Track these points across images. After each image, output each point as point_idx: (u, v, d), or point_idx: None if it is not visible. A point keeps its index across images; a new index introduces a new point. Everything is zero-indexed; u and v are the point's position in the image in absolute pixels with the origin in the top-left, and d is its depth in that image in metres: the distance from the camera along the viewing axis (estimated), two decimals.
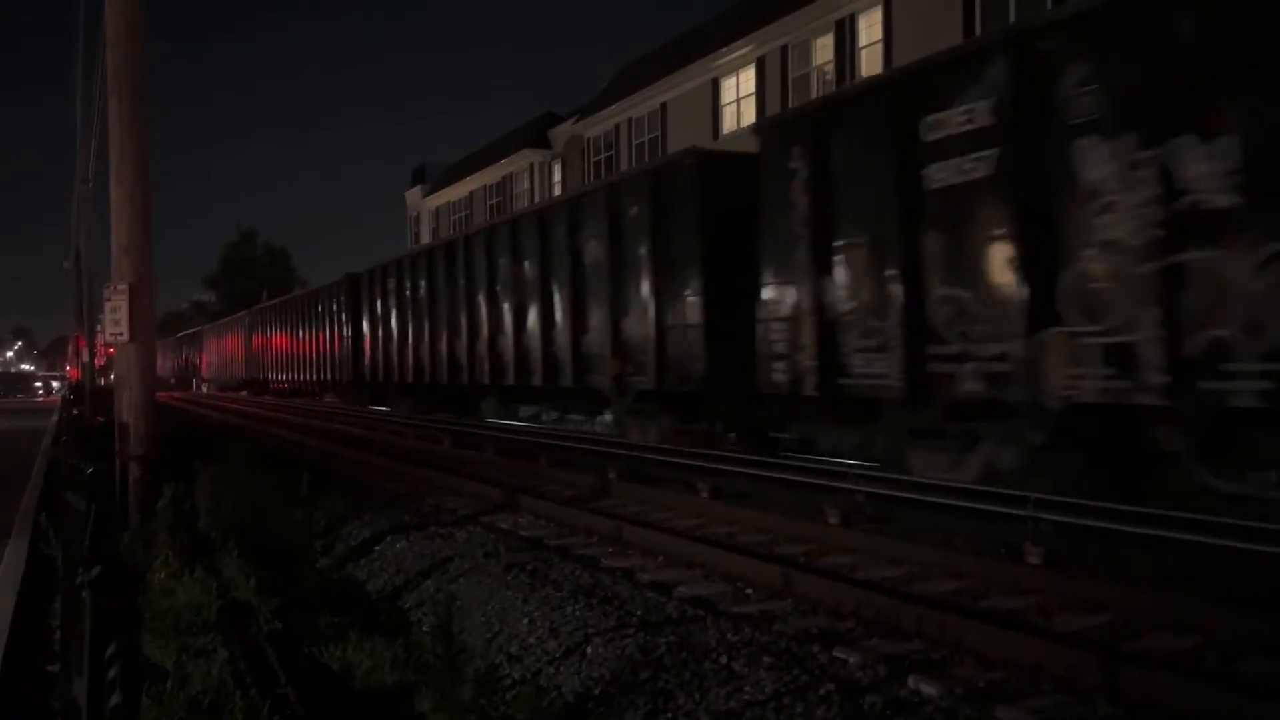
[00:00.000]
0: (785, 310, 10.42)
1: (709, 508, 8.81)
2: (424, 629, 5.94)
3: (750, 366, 10.89)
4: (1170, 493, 7.05)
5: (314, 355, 30.50)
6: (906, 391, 8.93)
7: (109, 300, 9.50)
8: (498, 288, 17.50)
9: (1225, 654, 4.66)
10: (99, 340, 27.38)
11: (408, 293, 22.11)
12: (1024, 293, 7.82)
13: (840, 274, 9.74)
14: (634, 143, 29.97)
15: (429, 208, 45.70)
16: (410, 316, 21.94)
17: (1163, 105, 6.85)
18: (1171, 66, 6.81)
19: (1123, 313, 7.11)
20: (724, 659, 4.82)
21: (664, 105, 28.62)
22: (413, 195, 47.94)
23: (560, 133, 35.67)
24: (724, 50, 25.77)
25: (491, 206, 38.83)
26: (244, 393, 42.50)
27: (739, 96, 25.81)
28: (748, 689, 4.45)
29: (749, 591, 6.16)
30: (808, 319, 10.05)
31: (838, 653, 4.84)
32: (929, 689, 4.32)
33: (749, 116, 24.38)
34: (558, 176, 35.71)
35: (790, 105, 21.69)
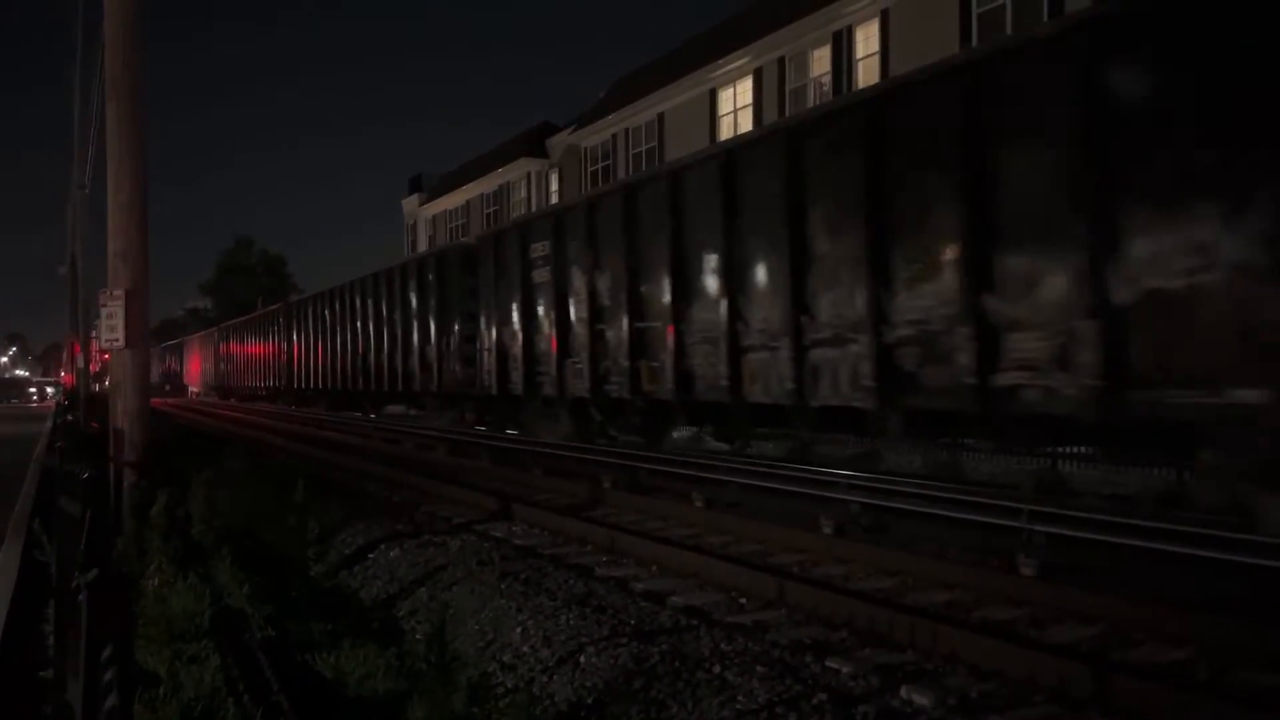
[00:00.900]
0: None
1: (703, 517, 8.82)
2: (417, 637, 5.94)
3: None
4: None
5: (262, 366, 38.03)
6: None
7: (105, 306, 9.51)
8: (370, 322, 24.73)
9: (1217, 665, 4.68)
10: (94, 346, 27.33)
11: (325, 319, 28.95)
12: None
13: None
14: (631, 152, 30.02)
15: (426, 216, 45.71)
16: (324, 337, 29.05)
17: None
18: None
19: None
20: (717, 668, 4.83)
21: (661, 115, 28.69)
22: (410, 203, 47.94)
23: (558, 142, 35.72)
24: (721, 61, 25.85)
25: (488, 215, 38.85)
26: (213, 396, 48.76)
27: (736, 107, 25.88)
28: (741, 698, 4.46)
29: (743, 601, 6.17)
30: None
31: (831, 663, 4.85)
32: (921, 699, 4.33)
33: (746, 127, 24.45)
34: (555, 186, 35.75)
35: (787, 115, 21.76)
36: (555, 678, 5.08)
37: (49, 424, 25.66)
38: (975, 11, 18.97)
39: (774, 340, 10.33)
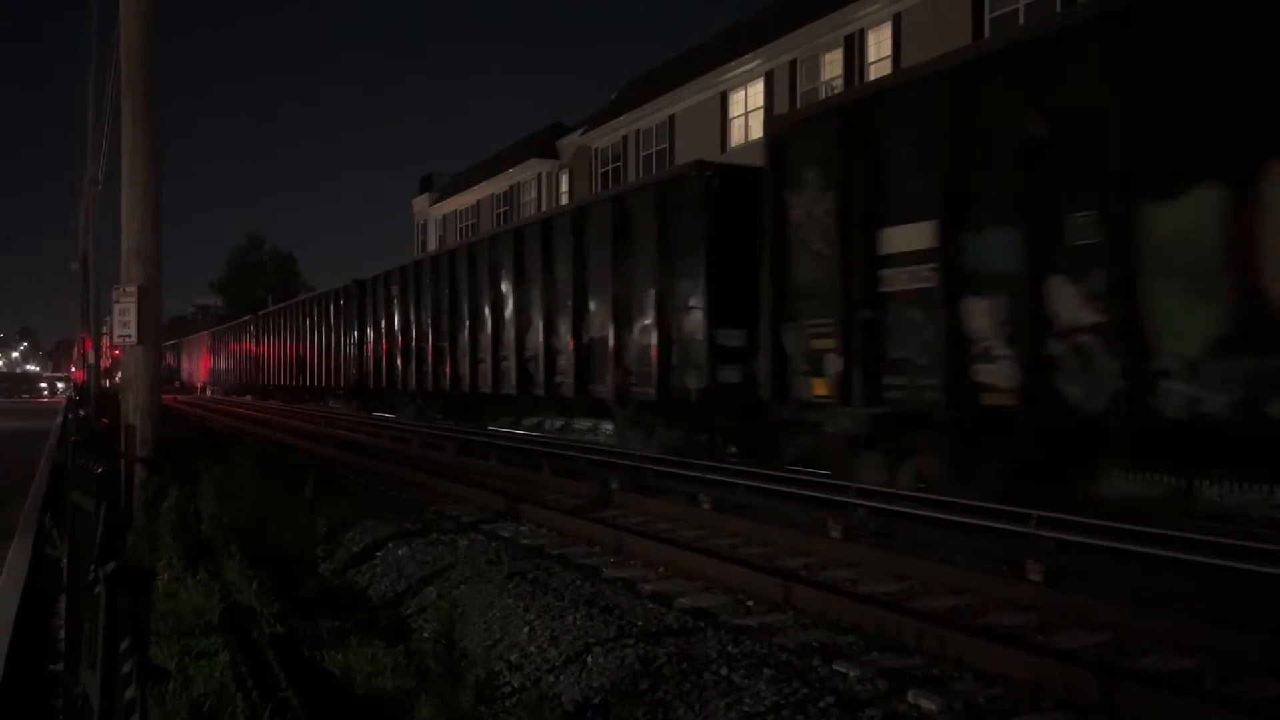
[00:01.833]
0: None
1: (711, 520, 8.83)
2: (425, 635, 5.96)
3: None
4: None
5: (242, 366, 43.80)
6: None
7: (117, 302, 9.55)
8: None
9: (1225, 674, 4.67)
10: (105, 342, 27.45)
11: (298, 322, 32.79)
12: None
13: None
14: (642, 154, 30.05)
15: (436, 215, 45.82)
16: (291, 341, 33.77)
17: None
18: None
19: None
20: (724, 670, 4.83)
21: (672, 117, 28.72)
22: (420, 203, 48.06)
23: (568, 143, 35.78)
24: (733, 64, 25.87)
25: (498, 215, 38.92)
26: (209, 393, 53.49)
27: (747, 110, 25.90)
28: (747, 700, 4.46)
29: (750, 604, 6.17)
30: None
31: (838, 666, 4.85)
32: (929, 704, 4.34)
33: (757, 130, 24.45)
34: (565, 187, 35.80)
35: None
36: (562, 677, 5.09)
37: (60, 419, 25.78)
38: (988, 16, 18.95)
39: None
